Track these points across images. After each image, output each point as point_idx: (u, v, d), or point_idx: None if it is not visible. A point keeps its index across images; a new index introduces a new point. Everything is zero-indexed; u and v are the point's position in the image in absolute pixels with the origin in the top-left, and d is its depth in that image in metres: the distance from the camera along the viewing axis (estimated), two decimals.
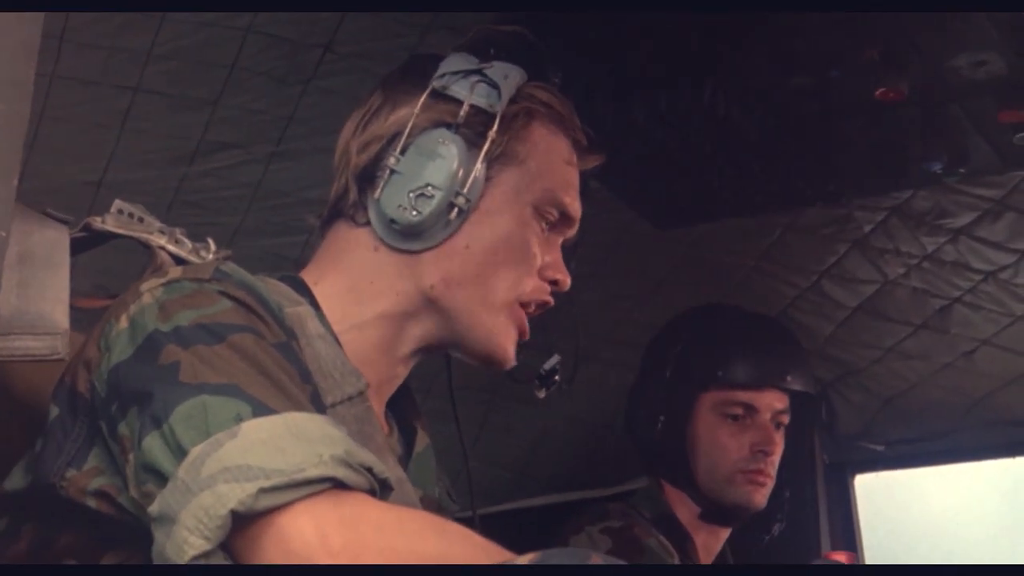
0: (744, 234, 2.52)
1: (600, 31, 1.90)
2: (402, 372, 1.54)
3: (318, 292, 1.48)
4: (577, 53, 1.87)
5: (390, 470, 1.22)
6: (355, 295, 1.49)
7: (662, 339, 2.62)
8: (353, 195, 1.51)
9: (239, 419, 1.14)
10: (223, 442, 1.12)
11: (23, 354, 1.35)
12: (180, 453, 1.13)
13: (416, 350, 1.52)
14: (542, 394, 1.66)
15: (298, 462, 1.11)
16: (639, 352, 2.66)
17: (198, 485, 1.10)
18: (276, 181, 2.30)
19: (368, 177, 1.51)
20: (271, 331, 1.27)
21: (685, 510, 2.55)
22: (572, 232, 1.59)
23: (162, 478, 1.14)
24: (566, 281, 1.56)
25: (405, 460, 1.54)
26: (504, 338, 1.51)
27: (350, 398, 1.41)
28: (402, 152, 1.49)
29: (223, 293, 1.27)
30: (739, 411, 2.52)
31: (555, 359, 1.65)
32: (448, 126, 1.50)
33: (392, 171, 1.49)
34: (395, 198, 1.48)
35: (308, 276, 1.51)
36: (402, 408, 1.58)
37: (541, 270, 1.54)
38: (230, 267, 1.32)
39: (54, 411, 1.29)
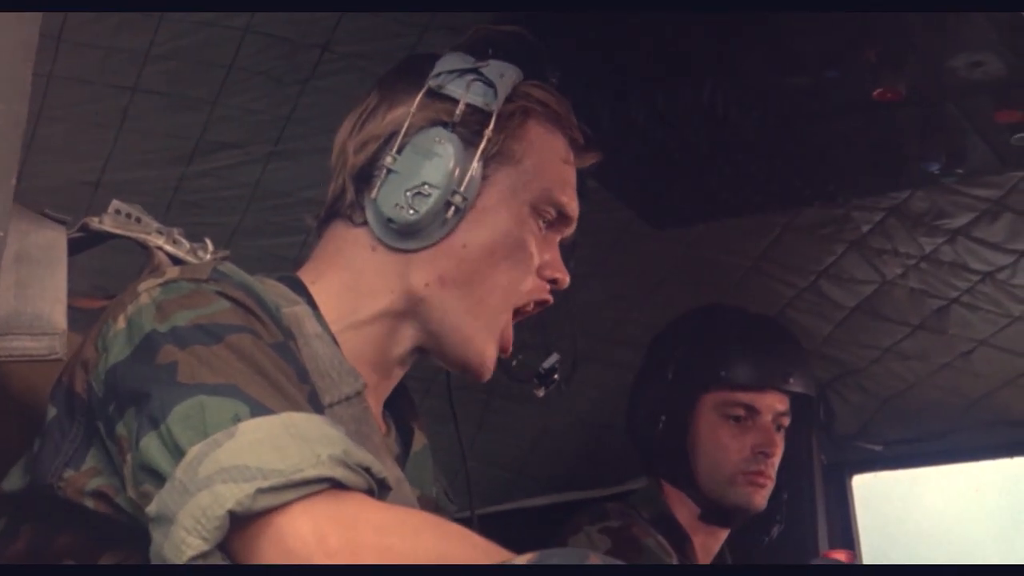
0: (742, 234, 2.52)
1: (599, 31, 1.90)
2: (399, 372, 1.54)
3: (315, 292, 1.48)
4: (576, 53, 1.87)
5: (388, 470, 1.22)
6: (352, 294, 1.49)
7: (664, 339, 2.62)
8: (350, 195, 1.52)
9: (237, 419, 1.14)
10: (221, 442, 1.12)
11: (21, 354, 1.35)
12: (178, 453, 1.13)
13: (413, 350, 1.52)
14: (541, 393, 1.66)
15: (296, 462, 1.11)
16: (638, 352, 2.66)
17: (196, 485, 1.10)
18: (274, 181, 2.30)
19: (365, 177, 1.51)
20: (268, 331, 1.27)
21: (684, 510, 2.55)
22: (570, 231, 1.59)
23: (160, 478, 1.14)
24: (565, 279, 1.56)
25: (402, 460, 1.54)
26: (483, 346, 1.50)
27: (348, 398, 1.41)
28: (399, 151, 1.49)
29: (220, 293, 1.27)
30: (741, 412, 2.53)
31: (554, 358, 1.65)
32: (444, 125, 1.50)
33: (389, 170, 1.49)
34: (392, 197, 1.48)
35: (305, 276, 1.51)
36: (399, 408, 1.58)
37: (540, 269, 1.54)
38: (228, 267, 1.33)
39: (52, 411, 1.29)
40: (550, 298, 1.55)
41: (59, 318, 1.38)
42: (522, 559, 1.08)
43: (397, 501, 1.28)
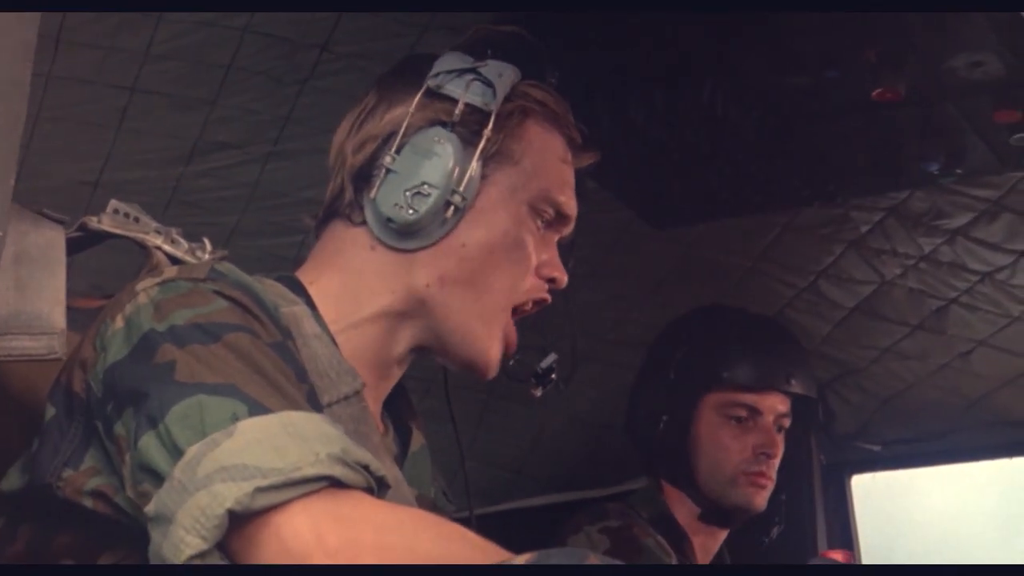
0: (742, 234, 2.52)
1: (599, 31, 1.90)
2: (397, 372, 1.54)
3: (314, 292, 1.48)
4: (575, 53, 1.87)
5: (387, 469, 1.21)
6: (351, 294, 1.49)
7: (666, 339, 2.62)
8: (349, 195, 1.52)
9: (235, 418, 1.14)
10: (219, 441, 1.12)
11: (20, 354, 1.35)
12: (176, 453, 1.13)
13: (411, 350, 1.53)
14: (539, 392, 1.66)
15: (294, 461, 1.11)
16: (637, 352, 2.66)
17: (194, 485, 1.10)
18: (273, 181, 2.30)
19: (364, 176, 1.51)
20: (267, 331, 1.27)
21: (684, 510, 2.55)
22: (568, 230, 1.59)
23: (158, 478, 1.14)
24: (563, 279, 1.56)
25: (400, 460, 1.54)
26: (489, 345, 1.51)
27: (346, 397, 1.41)
28: (398, 151, 1.49)
29: (219, 293, 1.27)
30: (743, 413, 2.53)
31: (552, 357, 1.65)
32: (444, 124, 1.50)
33: (388, 170, 1.49)
34: (391, 197, 1.48)
35: (304, 276, 1.51)
36: (397, 408, 1.58)
37: (538, 268, 1.54)
38: (226, 267, 1.33)
39: (50, 411, 1.29)
40: (548, 297, 1.56)
41: (58, 318, 1.38)
42: (521, 559, 1.08)
43: (395, 501, 1.28)
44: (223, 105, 2.12)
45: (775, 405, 2.54)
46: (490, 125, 1.50)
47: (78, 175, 2.22)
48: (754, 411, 2.53)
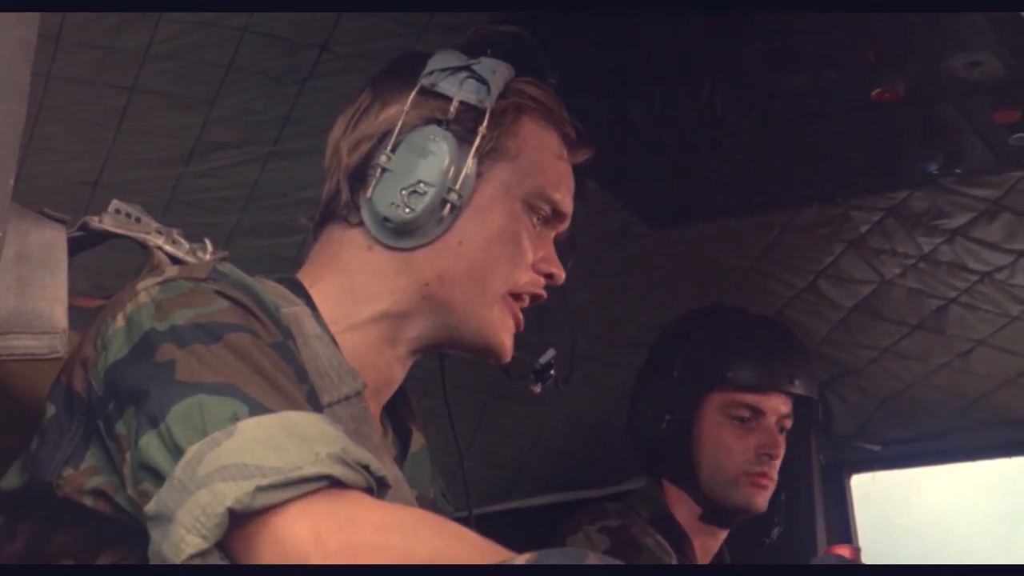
0: (741, 234, 2.52)
1: (598, 31, 1.90)
2: (399, 374, 1.54)
3: (314, 294, 1.49)
4: (574, 53, 1.87)
5: (387, 470, 1.22)
6: (351, 296, 1.49)
7: (669, 338, 2.62)
8: (345, 195, 1.52)
9: (235, 418, 1.14)
10: (220, 441, 1.12)
11: (22, 353, 1.35)
12: (177, 452, 1.13)
13: (412, 350, 1.53)
14: (538, 389, 1.67)
15: (295, 460, 1.11)
16: (636, 352, 2.66)
17: (195, 484, 1.10)
18: (273, 181, 2.30)
19: (360, 176, 1.51)
20: (267, 331, 1.28)
21: (684, 510, 2.55)
22: (564, 226, 1.59)
23: (159, 477, 1.14)
24: (560, 274, 1.56)
25: (400, 461, 1.54)
26: (500, 329, 1.51)
27: (347, 398, 1.41)
28: (393, 150, 1.50)
29: (219, 293, 1.27)
30: (746, 413, 2.53)
31: (550, 353, 1.66)
32: (438, 123, 1.50)
33: (384, 169, 1.49)
34: (387, 196, 1.48)
35: (304, 278, 1.51)
36: (397, 409, 1.58)
37: (535, 264, 1.54)
38: (227, 267, 1.33)
39: (50, 410, 1.29)
40: (544, 293, 1.56)
41: (60, 317, 1.38)
42: (520, 559, 1.08)
43: (396, 501, 1.28)
44: (223, 105, 2.12)
45: (778, 406, 2.54)
46: (485, 122, 1.50)
47: (78, 175, 2.22)
48: (757, 411, 2.53)
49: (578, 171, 1.62)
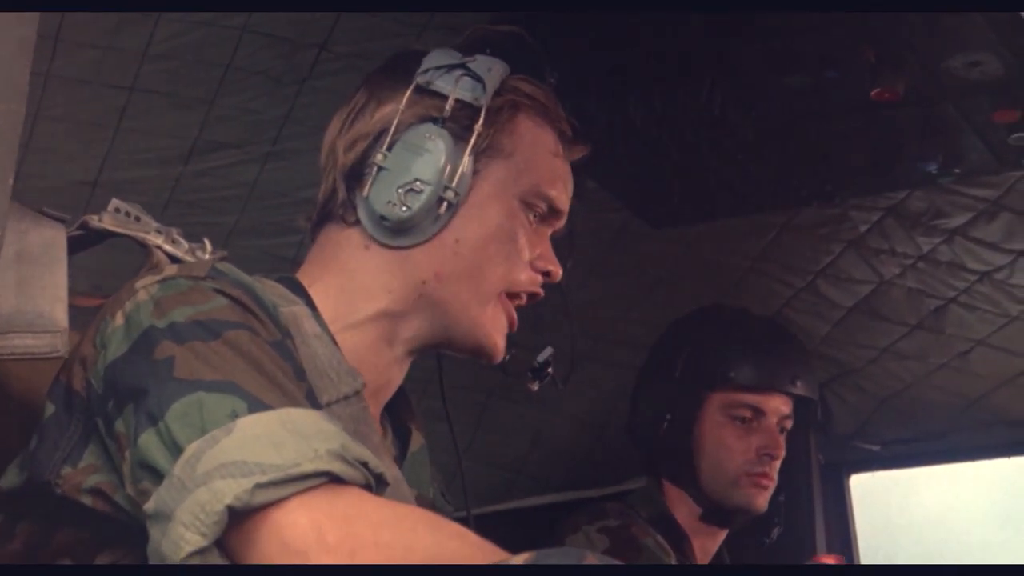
0: (740, 234, 2.52)
1: (598, 31, 1.90)
2: (397, 374, 1.54)
3: (313, 293, 1.49)
4: (574, 52, 1.87)
5: (386, 468, 1.22)
6: (348, 295, 1.49)
7: (671, 338, 2.62)
8: (341, 194, 1.52)
9: (234, 415, 1.14)
10: (219, 438, 1.12)
11: (23, 352, 1.35)
12: (176, 450, 1.13)
13: (410, 350, 1.53)
14: (535, 387, 1.66)
15: (294, 457, 1.11)
16: (637, 352, 2.66)
17: (194, 482, 1.10)
18: (272, 181, 2.30)
19: (356, 175, 1.51)
20: (266, 329, 1.28)
21: (684, 510, 2.56)
22: (560, 224, 1.59)
23: (158, 475, 1.14)
24: (557, 272, 1.56)
25: (400, 461, 1.54)
26: (493, 329, 1.51)
27: (346, 397, 1.41)
28: (389, 148, 1.50)
29: (219, 291, 1.27)
30: (747, 413, 2.53)
31: (548, 351, 1.66)
32: (434, 121, 1.50)
33: (380, 168, 1.49)
34: (384, 194, 1.48)
35: (303, 277, 1.51)
36: (397, 409, 1.58)
37: (532, 262, 1.54)
38: (226, 266, 1.33)
39: (49, 408, 1.29)
40: (541, 291, 1.56)
41: (60, 316, 1.38)
42: (519, 558, 1.08)
43: (395, 500, 1.28)
44: (222, 105, 2.12)
45: (779, 406, 2.55)
46: (481, 120, 1.50)
47: (77, 175, 2.22)
48: (758, 412, 2.53)
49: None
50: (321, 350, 1.41)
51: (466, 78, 1.52)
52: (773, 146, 2.13)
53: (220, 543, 1.11)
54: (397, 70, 1.55)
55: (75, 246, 1.45)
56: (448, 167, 1.48)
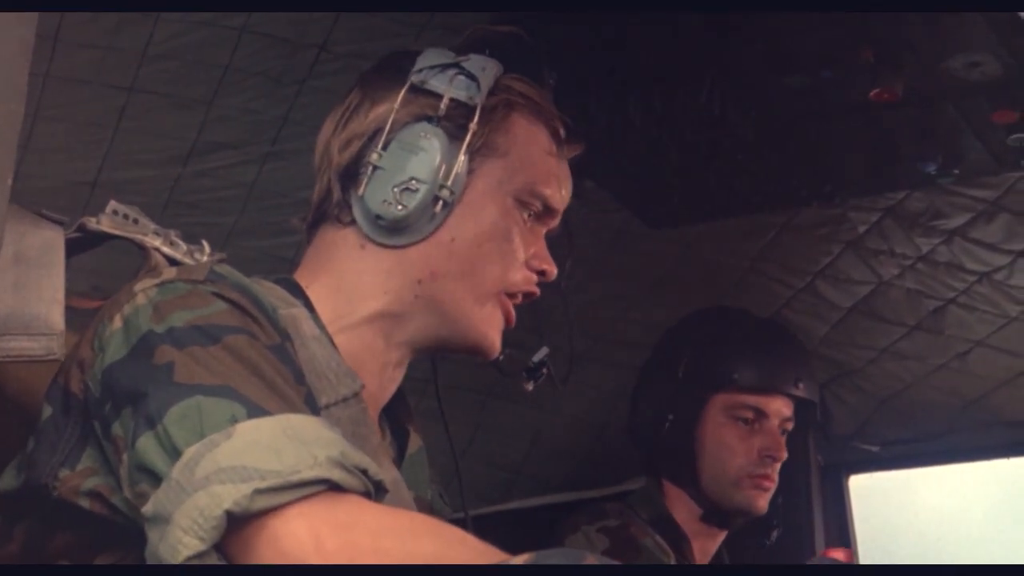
0: (739, 234, 2.52)
1: (597, 31, 1.90)
2: (395, 375, 1.54)
3: (311, 294, 1.49)
4: (573, 53, 1.87)
5: (385, 472, 1.22)
6: (345, 295, 1.49)
7: (674, 338, 2.62)
8: (336, 194, 1.52)
9: (234, 420, 1.14)
10: (218, 443, 1.12)
11: (19, 355, 1.35)
12: (174, 454, 1.13)
13: (408, 352, 1.53)
14: (530, 387, 1.66)
15: (293, 463, 1.11)
16: (636, 352, 2.66)
17: (192, 485, 1.10)
18: (271, 181, 2.30)
19: (351, 175, 1.51)
20: (265, 333, 1.27)
21: (684, 511, 2.56)
22: (555, 222, 1.59)
23: (156, 478, 1.14)
24: (552, 271, 1.56)
25: (398, 462, 1.54)
26: (490, 327, 1.51)
27: (345, 399, 1.41)
28: (384, 148, 1.50)
29: (217, 295, 1.27)
30: (749, 415, 2.54)
31: (543, 351, 1.65)
32: (429, 120, 1.50)
33: (375, 167, 1.49)
34: (379, 194, 1.48)
35: (301, 279, 1.51)
36: (395, 410, 1.58)
37: (527, 261, 1.54)
38: (224, 269, 1.33)
39: (47, 411, 1.29)
40: (537, 290, 1.56)
41: (57, 319, 1.38)
42: (519, 559, 1.08)
43: (394, 503, 1.28)
44: (221, 105, 2.12)
45: (781, 408, 2.55)
46: (475, 119, 1.50)
47: (76, 175, 2.22)
48: (761, 414, 2.54)
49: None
50: (320, 352, 1.41)
51: (460, 77, 1.52)
52: (773, 146, 2.13)
53: (218, 548, 1.10)
54: (391, 70, 1.55)
55: (73, 248, 1.45)
56: (443, 166, 1.48)
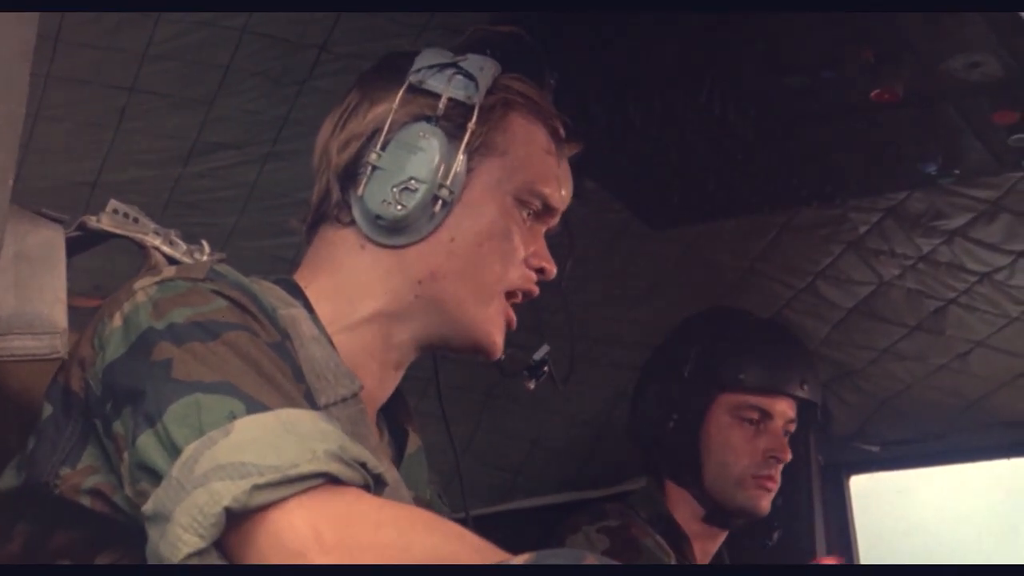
0: (739, 235, 2.52)
1: (597, 32, 1.90)
2: (394, 376, 1.54)
3: (310, 295, 1.49)
4: (574, 53, 1.87)
5: (385, 469, 1.21)
6: (345, 296, 1.50)
7: (679, 338, 2.62)
8: (336, 195, 1.52)
9: (232, 416, 1.14)
10: (217, 440, 1.12)
11: (23, 354, 1.35)
12: (174, 451, 1.13)
13: (407, 352, 1.53)
14: (532, 386, 1.66)
15: (292, 458, 1.11)
16: (636, 352, 2.66)
17: (192, 483, 1.10)
18: (271, 182, 2.30)
19: (350, 175, 1.51)
20: (265, 331, 1.28)
21: (686, 511, 2.56)
22: (554, 222, 1.59)
23: (156, 476, 1.14)
24: (552, 270, 1.57)
25: (397, 463, 1.54)
26: (492, 327, 1.51)
27: (344, 400, 1.41)
28: (383, 148, 1.50)
29: (217, 292, 1.27)
30: (754, 416, 2.54)
31: (544, 349, 1.66)
32: (428, 119, 1.50)
33: (374, 167, 1.49)
34: (379, 194, 1.48)
35: (300, 279, 1.51)
36: (394, 411, 1.58)
37: (527, 259, 1.54)
38: (224, 268, 1.33)
39: (47, 409, 1.29)
40: (536, 289, 1.56)
41: (59, 317, 1.38)
42: (519, 559, 1.08)
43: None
44: (221, 105, 2.12)
45: (785, 410, 2.56)
46: (474, 118, 1.50)
47: (76, 175, 2.22)
48: (765, 414, 2.54)
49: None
50: (319, 352, 1.41)
51: (459, 77, 1.52)
52: (773, 147, 2.13)
53: (219, 544, 1.11)
54: (390, 70, 1.55)
55: (74, 247, 1.45)
56: (442, 165, 1.48)
